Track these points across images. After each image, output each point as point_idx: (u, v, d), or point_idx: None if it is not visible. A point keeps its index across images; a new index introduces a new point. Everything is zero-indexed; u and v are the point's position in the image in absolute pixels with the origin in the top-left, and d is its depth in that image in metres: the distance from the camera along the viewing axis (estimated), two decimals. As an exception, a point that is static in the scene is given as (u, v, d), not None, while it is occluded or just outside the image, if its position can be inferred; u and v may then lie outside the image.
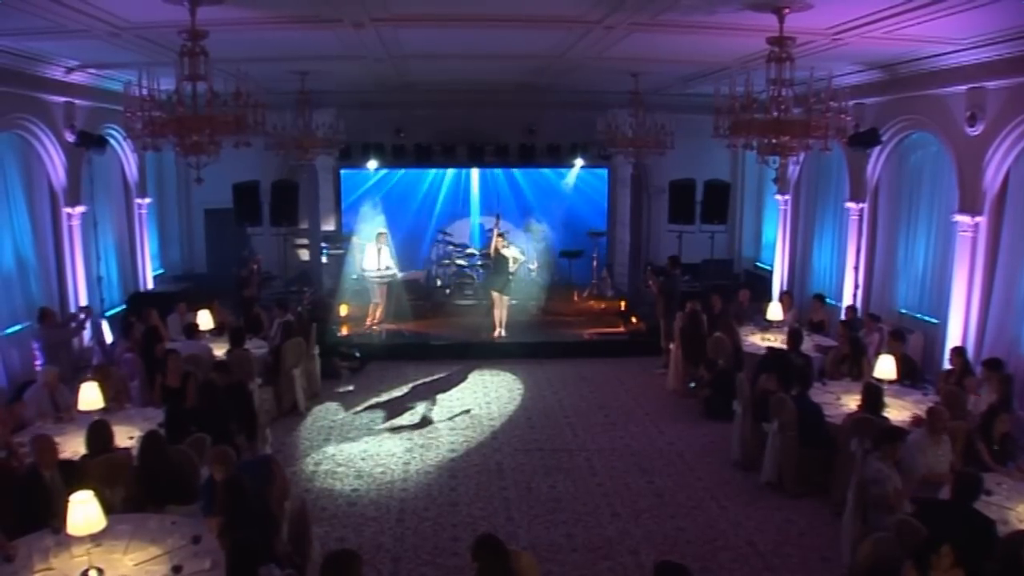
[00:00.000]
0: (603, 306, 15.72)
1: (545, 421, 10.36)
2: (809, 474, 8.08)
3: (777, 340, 11.33)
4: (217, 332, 11.47)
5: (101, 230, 13.81)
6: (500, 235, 13.86)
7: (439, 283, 16.04)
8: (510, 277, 13.69)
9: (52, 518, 5.41)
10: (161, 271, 16.85)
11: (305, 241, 17.29)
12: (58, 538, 5.31)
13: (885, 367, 8.62)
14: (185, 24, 7.52)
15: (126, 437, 7.32)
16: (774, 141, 8.38)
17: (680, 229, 14.87)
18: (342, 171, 16.63)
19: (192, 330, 10.14)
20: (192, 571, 5.06)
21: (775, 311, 11.94)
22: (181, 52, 7.63)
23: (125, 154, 14.61)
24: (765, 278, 16.82)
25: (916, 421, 7.64)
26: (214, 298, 12.33)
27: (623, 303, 15.48)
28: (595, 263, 16.16)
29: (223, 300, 13.90)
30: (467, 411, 10.73)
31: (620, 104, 14.94)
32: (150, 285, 15.36)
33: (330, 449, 9.38)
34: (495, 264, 13.67)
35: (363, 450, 9.33)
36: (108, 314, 13.52)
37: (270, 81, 13.95)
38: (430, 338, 13.90)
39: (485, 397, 11.37)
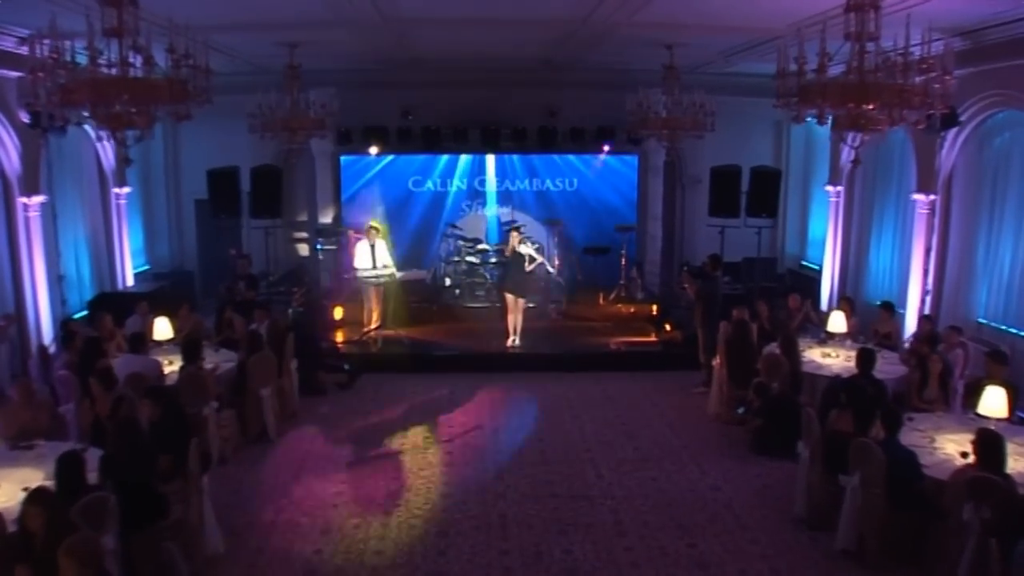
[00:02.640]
0: (632, 310, 13.87)
1: (562, 456, 8.59)
2: (898, 541, 6.26)
3: (839, 356, 9.59)
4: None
5: (69, 223, 12.34)
6: (516, 229, 12.10)
7: (448, 282, 14.32)
8: (527, 277, 11.95)
9: None
10: (146, 267, 15.36)
11: (304, 235, 15.73)
12: None
13: (994, 402, 6.78)
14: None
15: (20, 488, 5.70)
16: (855, 111, 6.61)
17: (722, 223, 13.00)
18: (342, 157, 14.96)
19: (139, 342, 8.47)
20: None
21: (837, 322, 10.09)
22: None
23: (100, 138, 13.02)
24: (812, 279, 15.01)
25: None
26: (184, 300, 10.75)
27: (655, 307, 13.66)
28: (623, 261, 14.31)
29: (207, 302, 12.44)
30: (469, 440, 9.02)
31: (652, 83, 13.20)
32: (129, 283, 13.85)
33: (297, 490, 7.68)
34: (510, 263, 11.92)
35: (337, 492, 7.63)
36: (76, 318, 12.01)
37: (258, 56, 12.44)
38: (433, 347, 12.19)
39: (492, 422, 9.64)
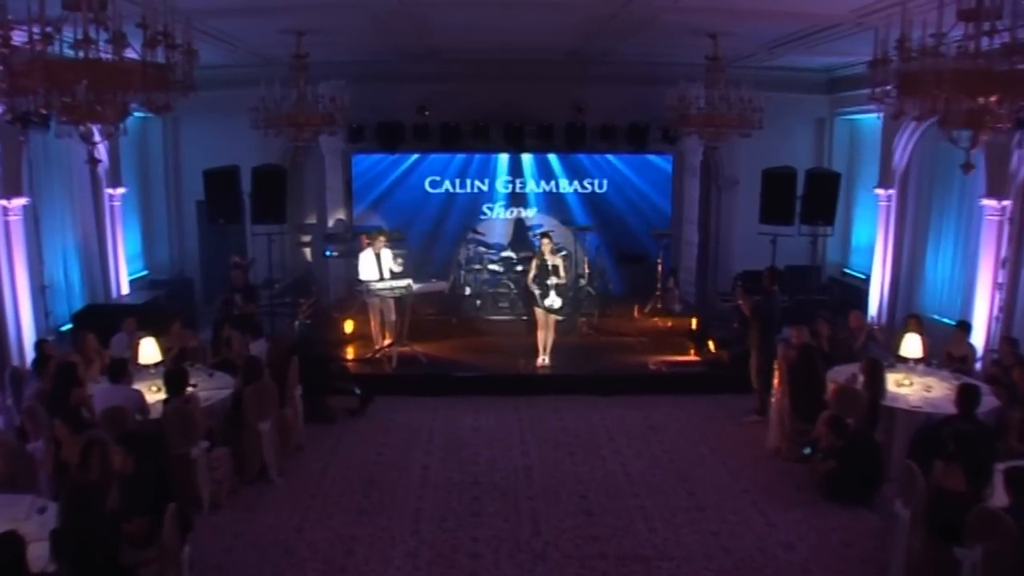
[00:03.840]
0: (670, 324, 12.67)
1: (607, 503, 7.43)
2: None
3: (913, 384, 8.46)
4: (175, 363, 8.89)
5: (56, 228, 11.34)
6: (547, 236, 10.95)
7: (467, 291, 13.18)
8: (561, 291, 10.75)
9: None
10: (144, 273, 14.30)
11: (308, 237, 14.63)
12: None
13: None
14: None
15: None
16: (975, 106, 5.46)
17: (774, 231, 11.80)
18: (353, 156, 13.87)
19: (119, 370, 7.35)
20: None
21: (912, 346, 8.93)
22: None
23: (60, 134, 11.92)
24: (858, 288, 13.83)
25: None
26: (176, 315, 9.64)
27: (695, 321, 12.47)
28: (660, 270, 13.09)
29: (208, 312, 11.38)
30: (498, 482, 7.87)
31: (690, 77, 12.15)
32: (124, 291, 12.76)
33: (300, 547, 6.54)
34: (541, 274, 10.66)
35: (347, 551, 6.47)
36: (58, 332, 10.97)
37: (262, 46, 11.43)
38: (453, 367, 11.02)
39: (523, 457, 8.49)
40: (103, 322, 9.95)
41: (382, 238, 10.93)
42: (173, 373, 7.16)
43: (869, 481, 7.43)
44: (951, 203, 11.90)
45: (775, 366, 9.21)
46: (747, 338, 10.11)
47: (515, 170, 14.04)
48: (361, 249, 11.51)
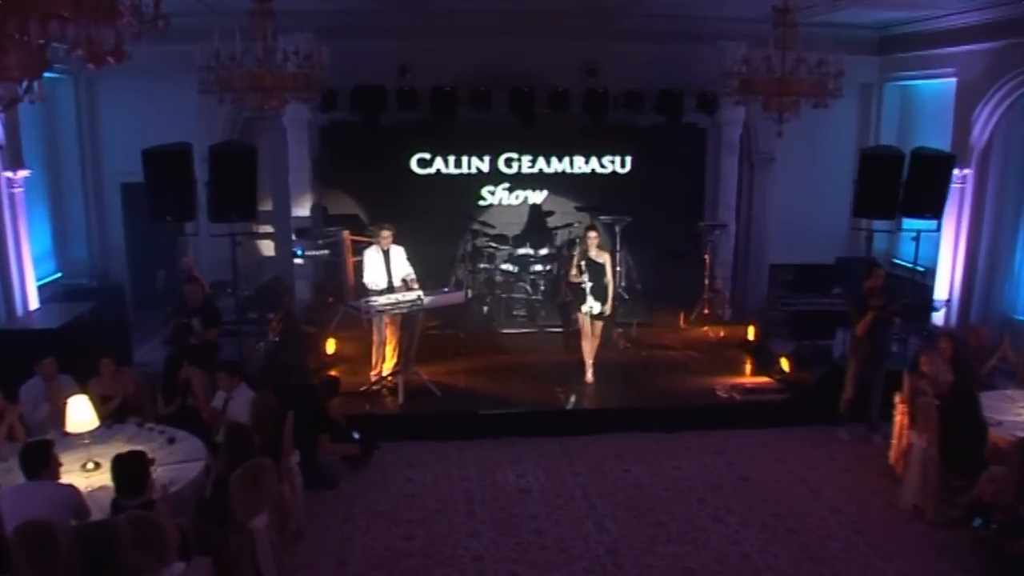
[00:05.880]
0: (722, 334, 10.50)
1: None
2: None
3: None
4: (115, 418, 6.50)
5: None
6: (593, 228, 8.87)
7: (469, 294, 10.82)
8: (606, 292, 8.71)
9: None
10: (56, 276, 11.49)
11: (267, 228, 11.99)
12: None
13: None
14: None
15: None
16: None
17: (869, 227, 9.86)
18: (323, 128, 11.35)
19: (38, 459, 4.82)
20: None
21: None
22: None
23: None
24: (918, 283, 11.76)
25: None
26: (104, 350, 7.05)
27: (752, 330, 10.37)
28: (707, 268, 10.91)
29: (146, 322, 8.94)
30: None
31: (730, 35, 10.26)
32: (33, 305, 9.90)
33: None
34: (589, 274, 8.60)
35: None
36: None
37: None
38: (475, 400, 8.66)
39: (602, 535, 6.29)
40: (8, 357, 7.31)
41: (388, 232, 8.55)
42: (125, 462, 4.70)
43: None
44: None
45: (897, 400, 7.37)
46: (847, 359, 8.23)
47: (522, 145, 11.65)
48: (343, 246, 9.11)
